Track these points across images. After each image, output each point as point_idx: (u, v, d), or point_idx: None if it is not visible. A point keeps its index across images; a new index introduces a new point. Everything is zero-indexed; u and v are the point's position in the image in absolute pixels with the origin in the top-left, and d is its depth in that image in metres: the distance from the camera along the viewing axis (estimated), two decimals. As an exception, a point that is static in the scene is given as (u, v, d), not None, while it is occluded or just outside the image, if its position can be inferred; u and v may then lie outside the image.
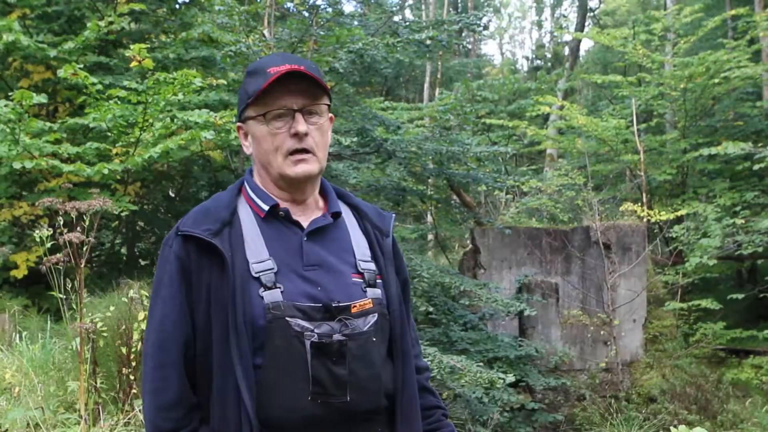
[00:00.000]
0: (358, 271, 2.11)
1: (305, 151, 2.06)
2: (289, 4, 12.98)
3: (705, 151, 13.54)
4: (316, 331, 1.95)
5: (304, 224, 2.11)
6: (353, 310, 2.02)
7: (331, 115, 2.18)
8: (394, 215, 2.37)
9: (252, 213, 2.10)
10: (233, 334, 1.91)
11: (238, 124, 2.19)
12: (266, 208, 2.08)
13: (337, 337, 1.97)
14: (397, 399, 2.12)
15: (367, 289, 2.10)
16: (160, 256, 2.06)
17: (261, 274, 1.97)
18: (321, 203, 2.20)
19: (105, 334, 5.65)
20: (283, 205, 2.11)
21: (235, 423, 1.90)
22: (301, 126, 2.04)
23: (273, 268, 1.99)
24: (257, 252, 2.01)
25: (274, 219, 2.10)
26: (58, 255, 4.51)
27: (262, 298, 1.94)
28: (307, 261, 2.04)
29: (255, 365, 1.92)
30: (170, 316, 1.98)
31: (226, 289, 1.94)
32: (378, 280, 2.14)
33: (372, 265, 2.16)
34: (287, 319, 1.93)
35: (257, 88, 2.04)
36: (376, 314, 2.07)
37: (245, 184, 2.18)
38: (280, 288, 1.97)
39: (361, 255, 2.16)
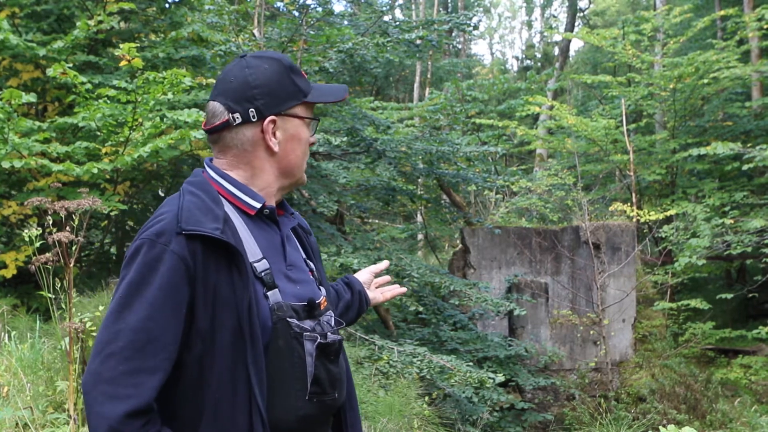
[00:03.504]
0: (310, 269, 2.14)
1: None
2: (279, 4, 12.98)
3: (694, 152, 13.57)
4: (316, 332, 1.95)
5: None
6: (321, 307, 2.03)
7: None
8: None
9: (236, 210, 1.98)
10: (249, 337, 1.81)
11: (273, 117, 2.00)
12: (257, 206, 1.99)
13: (332, 337, 1.98)
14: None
15: (320, 287, 2.13)
16: (145, 254, 1.80)
17: (263, 273, 1.91)
18: None
19: (94, 334, 5.63)
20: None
21: (245, 430, 1.82)
22: (313, 138, 2.10)
23: (269, 268, 1.93)
24: (253, 251, 1.92)
25: (257, 218, 2.02)
26: (47, 254, 4.48)
27: (268, 298, 1.90)
28: (289, 260, 2.04)
29: None
30: (160, 320, 1.75)
31: (241, 290, 1.83)
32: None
33: (311, 264, 2.18)
34: (288, 319, 1.90)
35: (308, 89, 2.05)
36: (331, 310, 2.11)
37: (220, 180, 2.01)
38: (278, 287, 1.94)
39: (304, 254, 2.18)
